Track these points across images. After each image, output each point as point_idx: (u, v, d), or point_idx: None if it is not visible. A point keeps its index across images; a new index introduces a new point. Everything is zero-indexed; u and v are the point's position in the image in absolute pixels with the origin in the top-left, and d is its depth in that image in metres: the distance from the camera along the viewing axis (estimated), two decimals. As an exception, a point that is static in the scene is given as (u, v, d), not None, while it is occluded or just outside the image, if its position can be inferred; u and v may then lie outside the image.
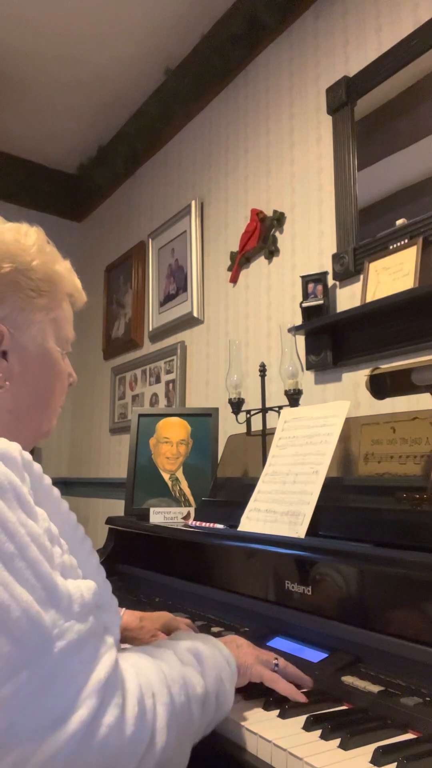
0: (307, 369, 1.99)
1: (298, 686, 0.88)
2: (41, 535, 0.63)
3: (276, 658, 0.89)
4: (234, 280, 2.50)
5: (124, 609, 1.12)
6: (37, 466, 0.71)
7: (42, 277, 0.83)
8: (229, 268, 2.52)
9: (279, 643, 1.05)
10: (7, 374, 0.80)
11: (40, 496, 0.69)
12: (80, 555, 0.74)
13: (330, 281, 1.98)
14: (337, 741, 0.72)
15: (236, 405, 1.84)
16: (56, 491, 0.75)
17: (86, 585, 0.65)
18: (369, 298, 1.77)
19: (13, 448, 0.67)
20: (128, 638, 1.06)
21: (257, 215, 2.34)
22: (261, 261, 2.36)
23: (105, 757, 0.57)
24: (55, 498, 0.74)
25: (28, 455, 0.69)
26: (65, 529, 0.74)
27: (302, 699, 0.84)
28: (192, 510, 1.76)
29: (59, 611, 0.60)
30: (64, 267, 0.89)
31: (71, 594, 0.62)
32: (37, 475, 0.70)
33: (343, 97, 2.00)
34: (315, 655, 0.97)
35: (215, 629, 1.17)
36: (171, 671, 0.70)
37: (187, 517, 1.75)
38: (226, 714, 0.76)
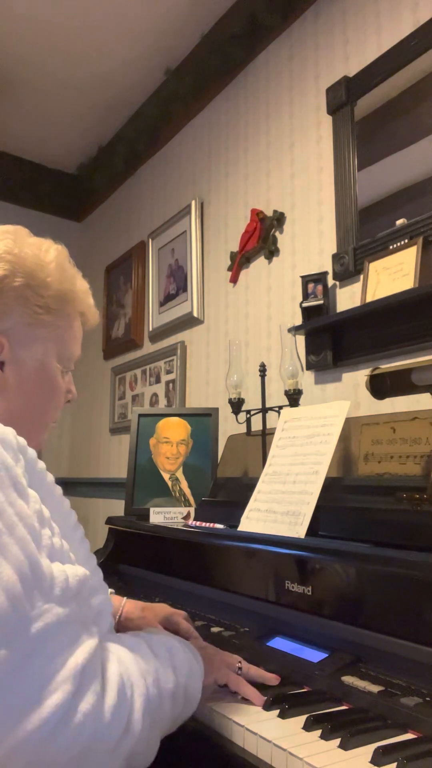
0: (307, 369, 1.99)
1: (263, 687, 0.88)
2: (30, 516, 0.64)
3: (239, 662, 0.89)
4: (234, 280, 2.50)
5: (125, 598, 1.12)
6: (31, 451, 0.72)
7: (54, 294, 0.86)
8: (229, 268, 2.52)
9: (279, 643, 1.05)
10: (2, 385, 0.82)
11: (33, 480, 0.70)
12: (72, 541, 0.75)
13: (330, 281, 1.98)
14: (337, 741, 0.72)
15: (236, 405, 1.84)
16: (50, 476, 0.76)
17: (73, 570, 0.65)
18: (369, 298, 1.77)
19: (9, 432, 0.69)
20: (128, 627, 1.05)
21: (257, 215, 2.34)
22: (261, 261, 2.36)
23: (79, 745, 0.57)
24: (48, 483, 0.75)
25: (23, 440, 0.71)
26: (58, 513, 0.74)
27: (262, 701, 0.84)
28: (192, 510, 1.76)
29: (40, 592, 0.60)
30: (80, 287, 0.91)
31: (54, 576, 0.62)
32: (31, 459, 0.72)
33: (343, 97, 2.00)
34: (315, 655, 0.97)
35: (215, 629, 1.17)
36: (146, 663, 0.70)
37: (187, 517, 1.75)
38: (194, 710, 0.77)
